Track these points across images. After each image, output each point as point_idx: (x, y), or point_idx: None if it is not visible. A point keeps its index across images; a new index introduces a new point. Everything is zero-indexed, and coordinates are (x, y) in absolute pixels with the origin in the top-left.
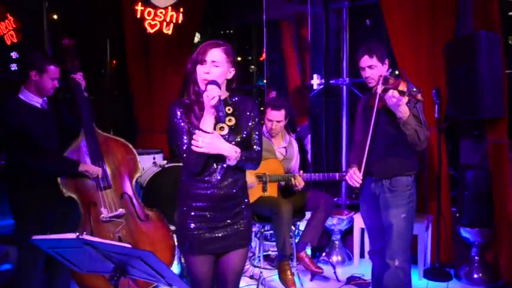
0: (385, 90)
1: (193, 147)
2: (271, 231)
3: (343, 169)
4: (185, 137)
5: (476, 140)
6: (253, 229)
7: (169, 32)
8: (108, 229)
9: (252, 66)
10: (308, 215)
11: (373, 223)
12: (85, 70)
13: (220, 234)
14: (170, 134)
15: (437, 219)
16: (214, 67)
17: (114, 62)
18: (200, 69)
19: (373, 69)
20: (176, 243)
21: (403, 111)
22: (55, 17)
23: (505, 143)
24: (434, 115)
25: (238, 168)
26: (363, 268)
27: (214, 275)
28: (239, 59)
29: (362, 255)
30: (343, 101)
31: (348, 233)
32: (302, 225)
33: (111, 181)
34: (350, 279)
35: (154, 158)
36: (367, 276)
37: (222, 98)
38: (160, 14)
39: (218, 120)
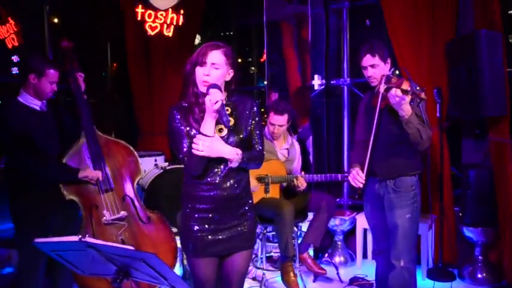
0: (387, 90)
1: (193, 151)
2: (274, 233)
3: (345, 169)
4: (185, 141)
5: (478, 139)
6: (256, 230)
7: (170, 34)
8: (110, 232)
9: (253, 68)
10: (310, 216)
11: (377, 223)
12: (86, 73)
13: (224, 236)
14: (170, 138)
15: (440, 219)
16: (214, 69)
17: (114, 64)
18: (200, 71)
19: (376, 68)
20: (179, 245)
21: (406, 110)
22: (56, 20)
23: (507, 142)
24: (435, 114)
25: (241, 168)
26: (366, 269)
27: (218, 277)
28: (239, 60)
29: (365, 256)
30: (344, 101)
31: (350, 234)
32: (304, 226)
33: (112, 184)
34: (353, 280)
35: (155, 160)
36: (370, 276)
37: (223, 100)
38: (161, 16)
39: (222, 125)
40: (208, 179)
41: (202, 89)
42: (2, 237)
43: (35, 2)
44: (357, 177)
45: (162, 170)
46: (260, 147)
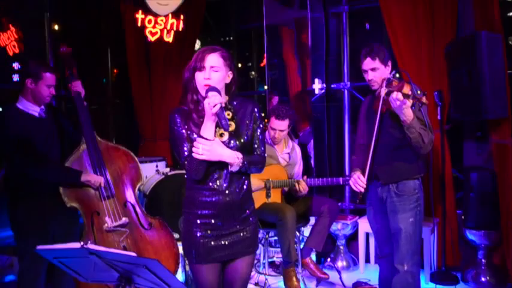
0: (388, 93)
1: (193, 155)
2: (276, 238)
3: (347, 173)
4: (186, 144)
5: (480, 142)
6: (258, 235)
7: (170, 40)
8: (112, 239)
9: (253, 73)
10: (312, 220)
11: (380, 228)
12: (86, 79)
13: (226, 242)
14: (171, 142)
15: (442, 222)
16: (214, 72)
17: (115, 70)
18: (200, 76)
19: (376, 71)
20: (180, 251)
21: (407, 115)
22: (56, 27)
23: (509, 144)
24: (436, 117)
25: (242, 173)
26: (369, 273)
27: (221, 283)
28: (239, 65)
29: (367, 260)
30: (344, 105)
31: (352, 238)
32: (306, 231)
33: (114, 190)
34: (356, 285)
35: (157, 166)
36: (373, 281)
37: (222, 104)
38: (161, 22)
39: (221, 127)
40: (210, 185)
41: (204, 93)
42: (3, 244)
43: (35, 9)
44: (358, 181)
45: (163, 176)
46: (261, 151)
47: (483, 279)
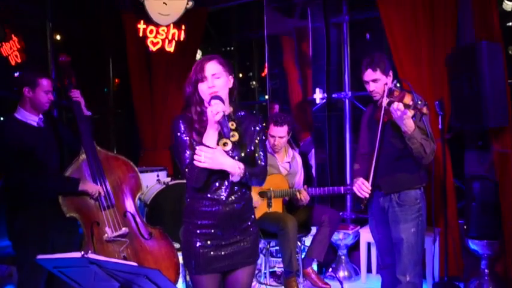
0: (390, 103)
1: (195, 162)
2: (277, 248)
3: (348, 183)
4: (187, 152)
5: (481, 151)
6: (259, 245)
7: (172, 50)
8: (112, 249)
9: (254, 82)
10: (314, 230)
11: (382, 238)
12: (88, 89)
13: (226, 252)
14: (173, 148)
15: (444, 232)
16: (216, 79)
17: (116, 80)
18: (203, 86)
19: (377, 82)
20: (181, 261)
21: (408, 125)
22: (58, 37)
23: (511, 153)
24: (438, 126)
25: (243, 184)
26: (370, 283)
27: None
28: (240, 75)
29: (369, 270)
30: (345, 115)
31: (354, 248)
32: (308, 240)
33: (114, 200)
34: None
35: (158, 176)
36: None
37: (226, 113)
38: (162, 32)
39: (223, 135)
40: (211, 194)
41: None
42: (2, 253)
43: (37, 19)
44: (362, 187)
45: (164, 185)
46: (264, 164)
47: None
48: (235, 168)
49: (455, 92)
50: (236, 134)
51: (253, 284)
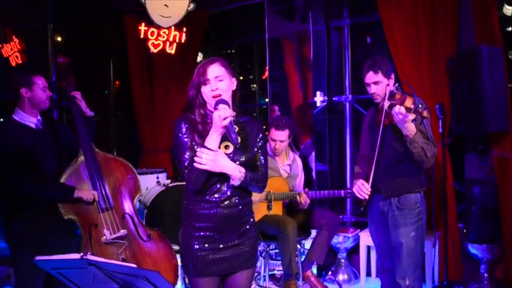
0: (391, 106)
1: (195, 164)
2: (277, 250)
3: (348, 186)
4: (187, 153)
5: (482, 155)
6: (259, 248)
7: (173, 52)
8: (111, 251)
9: (254, 85)
10: (313, 233)
11: (381, 242)
12: (89, 91)
13: (225, 255)
14: (174, 149)
15: (444, 235)
16: (219, 82)
17: (117, 82)
18: (206, 89)
19: (379, 85)
20: (180, 264)
21: (410, 129)
22: (59, 38)
23: (511, 157)
24: (438, 130)
25: (243, 188)
26: (370, 286)
27: None
28: (241, 78)
29: (368, 274)
30: (346, 118)
31: (353, 251)
32: (307, 243)
33: (112, 202)
34: None
35: (157, 178)
36: None
37: (232, 116)
38: (164, 34)
39: (230, 141)
40: (209, 197)
41: (213, 105)
42: (1, 255)
43: (39, 21)
44: (362, 188)
45: (164, 187)
46: (264, 171)
47: None
48: (236, 171)
49: (455, 96)
50: (238, 138)
51: (252, 286)
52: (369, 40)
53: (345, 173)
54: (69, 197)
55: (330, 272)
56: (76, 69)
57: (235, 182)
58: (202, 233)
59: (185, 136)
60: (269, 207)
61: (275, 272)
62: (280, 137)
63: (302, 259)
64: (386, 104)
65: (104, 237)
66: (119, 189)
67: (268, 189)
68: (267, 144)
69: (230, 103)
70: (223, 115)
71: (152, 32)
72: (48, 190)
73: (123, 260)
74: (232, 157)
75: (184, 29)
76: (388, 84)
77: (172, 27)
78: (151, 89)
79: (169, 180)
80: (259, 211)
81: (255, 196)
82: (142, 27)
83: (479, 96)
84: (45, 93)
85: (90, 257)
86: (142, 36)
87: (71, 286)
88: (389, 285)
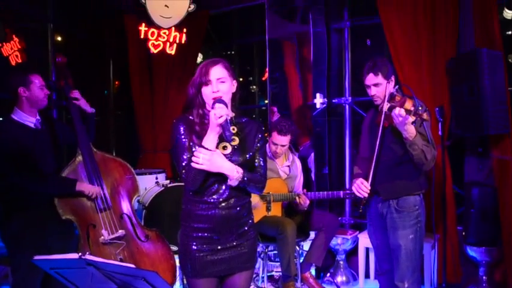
0: (391, 108)
1: (192, 164)
2: (275, 251)
3: (347, 187)
4: (185, 153)
5: (481, 157)
6: (257, 249)
7: (173, 52)
8: (109, 251)
9: (254, 87)
10: (312, 234)
11: (380, 244)
12: (88, 90)
13: (223, 257)
14: (172, 150)
15: (443, 238)
16: (221, 83)
17: (117, 82)
18: (207, 90)
19: (379, 87)
20: (178, 264)
21: (410, 131)
22: (59, 38)
23: (510, 160)
24: (438, 133)
25: (241, 189)
26: None
27: None
28: (241, 79)
29: (367, 276)
30: (346, 120)
31: (352, 253)
32: (306, 245)
33: (110, 202)
34: None
35: (156, 178)
36: None
37: (229, 117)
38: (164, 35)
39: (225, 139)
40: (207, 198)
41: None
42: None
43: (39, 20)
44: (362, 186)
45: (163, 188)
46: (263, 173)
47: None
48: (234, 172)
49: (455, 99)
50: (237, 138)
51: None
52: (369, 42)
53: (344, 174)
54: (71, 190)
55: (328, 274)
56: (76, 69)
57: (233, 183)
58: (200, 234)
59: (183, 137)
60: (268, 209)
61: (273, 273)
62: (282, 141)
63: (301, 260)
64: (386, 106)
65: (102, 237)
66: (117, 189)
67: (267, 191)
68: (267, 145)
69: (229, 104)
70: (218, 113)
71: (152, 33)
72: (49, 185)
73: (121, 261)
74: (230, 158)
75: (185, 30)
76: (387, 91)
77: (173, 28)
78: (151, 90)
79: (168, 181)
80: (258, 212)
81: (254, 198)
82: (143, 28)
83: (479, 98)
84: (43, 91)
85: (88, 256)
86: (142, 36)
87: (69, 286)
88: (387, 287)
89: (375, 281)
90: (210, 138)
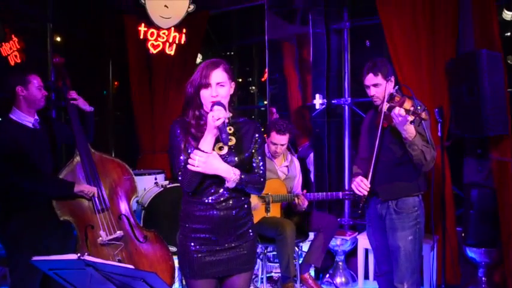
0: (390, 108)
1: (189, 166)
2: (275, 253)
3: (346, 188)
4: (182, 156)
5: (481, 158)
6: (257, 250)
7: (172, 53)
8: (107, 252)
9: (253, 87)
10: (311, 235)
11: (379, 245)
12: (87, 91)
13: (221, 258)
14: (169, 152)
15: (442, 239)
16: (220, 87)
17: (116, 82)
18: (206, 93)
19: (378, 87)
20: (177, 265)
21: (409, 131)
22: (58, 38)
23: (509, 161)
24: (437, 134)
25: (240, 190)
26: None
27: None
28: (240, 80)
29: (366, 277)
30: (345, 121)
31: (351, 254)
32: (305, 246)
33: (108, 203)
34: None
35: (156, 179)
36: None
37: (226, 119)
38: (163, 35)
39: (221, 141)
40: (205, 199)
41: (210, 108)
42: None
43: (38, 20)
44: (361, 184)
45: (162, 188)
46: (262, 173)
47: None
48: (230, 173)
49: (455, 100)
50: (233, 138)
51: None
52: (368, 43)
53: (344, 175)
54: (69, 192)
55: (327, 275)
56: (75, 69)
57: (230, 184)
58: (198, 235)
59: (179, 139)
60: (267, 210)
61: (273, 274)
62: (281, 140)
63: (300, 261)
64: (386, 106)
65: (100, 238)
66: (115, 190)
67: (266, 192)
68: (266, 146)
69: (227, 105)
70: (216, 116)
71: (152, 33)
72: (48, 186)
73: (119, 261)
74: (226, 158)
75: (184, 30)
76: (387, 91)
77: (172, 28)
78: (150, 90)
79: (167, 182)
80: (258, 213)
81: (253, 199)
82: (142, 28)
83: (478, 99)
84: (41, 92)
85: (87, 257)
86: (142, 36)
87: (68, 287)
88: None
89: (374, 282)
90: (207, 141)
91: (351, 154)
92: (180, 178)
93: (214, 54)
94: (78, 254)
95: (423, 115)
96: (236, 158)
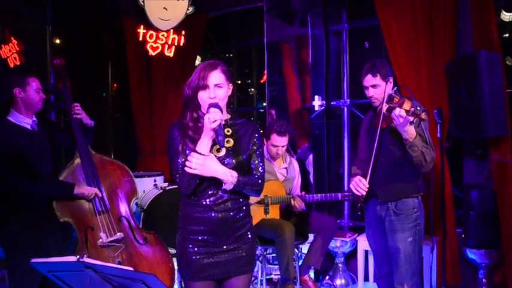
0: (389, 109)
1: (186, 169)
2: (274, 254)
3: (345, 189)
4: (180, 158)
5: (480, 160)
6: (256, 252)
7: (171, 55)
8: (107, 254)
9: (252, 89)
10: (311, 237)
11: (378, 247)
12: (86, 93)
13: (220, 259)
14: (168, 155)
15: (442, 240)
16: (218, 89)
17: (115, 85)
18: (204, 95)
19: (377, 88)
20: (176, 267)
21: (410, 132)
22: (58, 41)
23: (509, 162)
24: (436, 135)
25: (238, 192)
26: None
27: None
28: (239, 82)
29: (366, 278)
30: (344, 122)
31: (351, 256)
32: (305, 248)
33: (108, 205)
34: None
35: (155, 181)
36: None
37: (223, 121)
38: (162, 37)
39: (217, 143)
40: (204, 201)
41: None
42: None
43: (38, 23)
44: (360, 184)
45: (161, 190)
46: (260, 175)
47: None
48: (228, 176)
49: (454, 101)
50: (231, 140)
51: None
52: (367, 44)
53: (343, 177)
54: (70, 194)
55: (327, 277)
56: (74, 71)
57: (228, 186)
58: (197, 237)
59: (177, 142)
60: (266, 211)
61: (272, 276)
62: (282, 142)
63: (299, 263)
64: (385, 107)
65: (100, 240)
66: (115, 192)
67: (265, 193)
68: (265, 148)
69: (224, 108)
70: (212, 118)
71: (151, 35)
72: (48, 188)
73: (119, 263)
74: (224, 160)
75: (183, 32)
76: (385, 92)
77: (171, 30)
78: (149, 92)
79: (166, 183)
80: (256, 215)
81: (252, 200)
82: (141, 30)
83: (477, 100)
84: (39, 95)
85: (86, 259)
86: (141, 38)
87: None
88: None
89: (373, 283)
90: (204, 143)
91: (350, 155)
92: (178, 180)
93: (213, 56)
94: (78, 256)
95: (423, 115)
96: (234, 160)
